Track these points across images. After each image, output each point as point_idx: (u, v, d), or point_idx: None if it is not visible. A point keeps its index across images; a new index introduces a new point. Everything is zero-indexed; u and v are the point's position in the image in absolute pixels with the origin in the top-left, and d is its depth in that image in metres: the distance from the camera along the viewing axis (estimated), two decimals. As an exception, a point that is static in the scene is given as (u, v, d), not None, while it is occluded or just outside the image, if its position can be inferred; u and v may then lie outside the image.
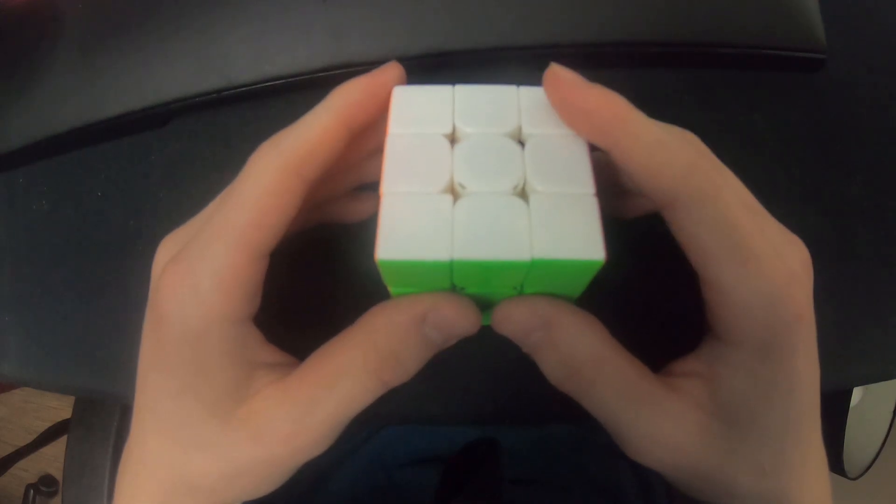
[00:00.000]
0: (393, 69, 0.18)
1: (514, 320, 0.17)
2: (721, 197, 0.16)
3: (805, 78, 0.27)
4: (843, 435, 0.77)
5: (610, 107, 0.16)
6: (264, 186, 0.16)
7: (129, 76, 0.27)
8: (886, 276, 0.25)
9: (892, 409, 0.79)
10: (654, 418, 0.17)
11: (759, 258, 0.16)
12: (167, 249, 0.19)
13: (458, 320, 0.16)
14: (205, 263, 0.16)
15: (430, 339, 0.17)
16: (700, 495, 0.18)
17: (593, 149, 0.17)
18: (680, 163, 0.16)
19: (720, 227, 0.16)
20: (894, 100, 0.27)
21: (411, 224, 0.15)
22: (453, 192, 0.16)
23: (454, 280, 0.16)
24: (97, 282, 0.27)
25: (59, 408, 1.18)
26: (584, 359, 0.17)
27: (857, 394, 0.82)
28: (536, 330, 0.17)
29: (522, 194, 0.15)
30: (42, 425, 0.97)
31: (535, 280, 0.16)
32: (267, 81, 0.27)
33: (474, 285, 0.17)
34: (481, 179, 0.15)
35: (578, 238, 0.15)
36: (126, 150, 0.28)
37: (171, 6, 0.27)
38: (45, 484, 1.13)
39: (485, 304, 0.18)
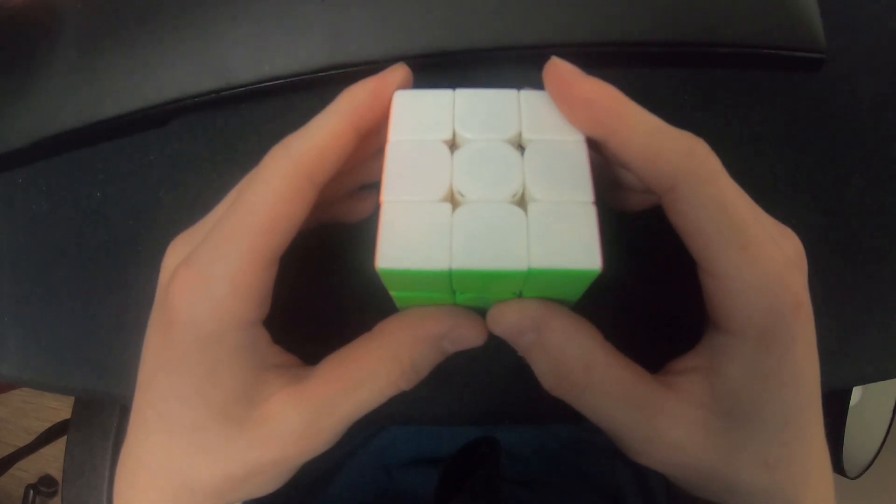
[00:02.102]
0: (400, 70, 0.18)
1: (505, 321, 0.17)
2: (719, 181, 0.16)
3: (805, 78, 0.27)
4: (843, 434, 0.77)
5: (608, 97, 0.16)
6: (276, 191, 0.16)
7: (129, 76, 0.27)
8: (886, 276, 0.25)
9: (891, 408, 0.79)
10: (651, 420, 0.17)
11: (757, 243, 0.16)
12: (176, 252, 0.19)
13: (473, 338, 0.18)
14: (218, 268, 0.16)
15: (445, 350, 0.18)
16: (704, 494, 0.18)
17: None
18: (678, 147, 0.16)
19: (720, 211, 0.16)
20: (893, 99, 0.27)
21: (411, 233, 0.15)
22: (453, 200, 0.16)
23: (454, 286, 0.16)
24: (97, 282, 0.27)
25: (59, 408, 1.18)
26: (574, 362, 0.17)
27: (857, 393, 0.82)
28: (528, 332, 0.17)
29: (521, 202, 0.16)
30: (42, 426, 0.97)
31: (533, 286, 0.16)
32: (266, 81, 0.27)
33: (474, 291, 0.17)
34: (480, 187, 0.16)
35: (575, 247, 0.15)
36: (125, 151, 0.28)
37: (171, 6, 0.27)
38: (45, 484, 1.13)
39: (487, 308, 0.18)
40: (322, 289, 0.25)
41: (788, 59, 0.26)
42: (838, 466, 0.79)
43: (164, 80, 0.27)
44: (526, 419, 0.26)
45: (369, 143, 0.19)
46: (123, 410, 0.57)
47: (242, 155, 0.17)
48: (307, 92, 0.27)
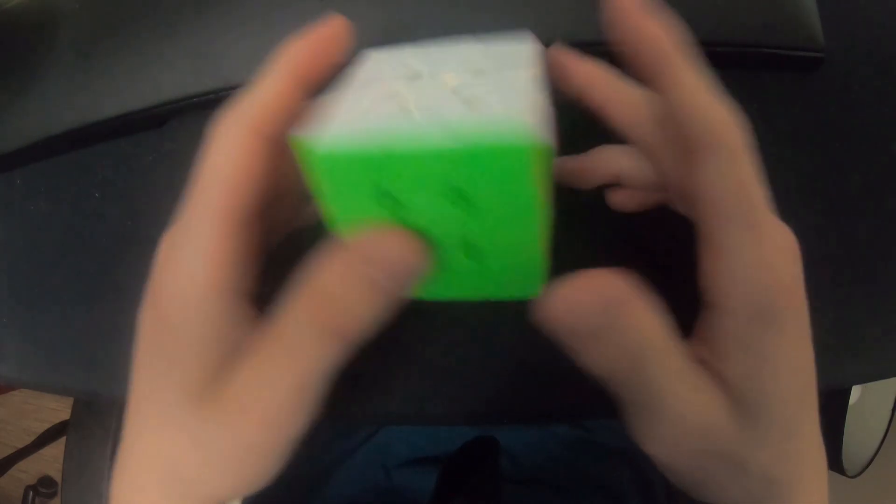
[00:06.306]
0: (337, 22, 0.18)
1: (573, 301, 0.15)
2: (747, 157, 0.16)
3: (803, 77, 0.27)
4: (842, 433, 0.77)
5: (674, 39, 0.17)
6: (228, 151, 0.17)
7: (126, 77, 0.27)
8: (885, 275, 0.25)
9: (890, 407, 0.80)
10: (689, 395, 0.16)
11: (766, 225, 0.16)
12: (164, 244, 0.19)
13: (397, 253, 0.15)
14: (189, 238, 0.16)
15: (374, 280, 0.15)
16: (701, 490, 0.18)
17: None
18: (722, 112, 0.16)
19: (739, 186, 0.16)
20: (891, 98, 0.27)
21: (340, 121, 0.14)
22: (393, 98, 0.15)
23: (385, 185, 0.15)
24: (95, 283, 0.27)
25: (58, 409, 1.18)
26: (653, 345, 0.16)
27: (856, 392, 0.82)
28: (597, 315, 0.15)
29: (464, 99, 0.15)
30: (41, 427, 0.97)
31: (473, 200, 0.15)
32: (265, 82, 0.27)
33: (407, 197, 0.15)
34: (422, 85, 0.16)
35: (512, 121, 0.13)
36: (123, 151, 0.28)
37: (168, 7, 0.27)
38: (45, 485, 1.13)
39: (440, 265, 0.17)
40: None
41: (787, 58, 0.26)
42: (838, 465, 0.79)
43: (162, 81, 0.27)
44: (526, 419, 0.26)
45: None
46: (122, 411, 0.57)
47: (240, 155, 0.17)
48: (305, 92, 0.27)
